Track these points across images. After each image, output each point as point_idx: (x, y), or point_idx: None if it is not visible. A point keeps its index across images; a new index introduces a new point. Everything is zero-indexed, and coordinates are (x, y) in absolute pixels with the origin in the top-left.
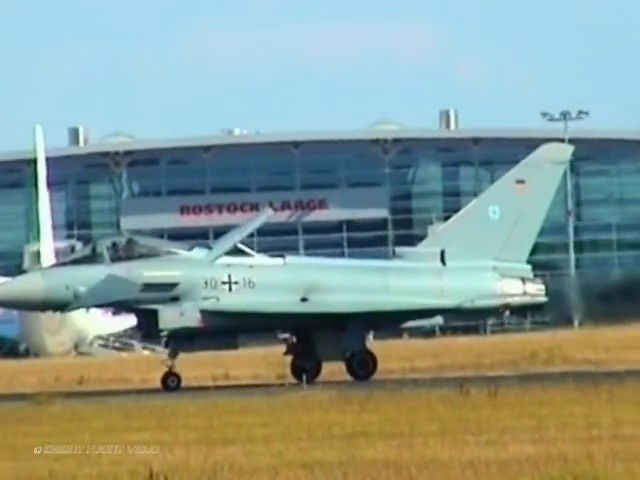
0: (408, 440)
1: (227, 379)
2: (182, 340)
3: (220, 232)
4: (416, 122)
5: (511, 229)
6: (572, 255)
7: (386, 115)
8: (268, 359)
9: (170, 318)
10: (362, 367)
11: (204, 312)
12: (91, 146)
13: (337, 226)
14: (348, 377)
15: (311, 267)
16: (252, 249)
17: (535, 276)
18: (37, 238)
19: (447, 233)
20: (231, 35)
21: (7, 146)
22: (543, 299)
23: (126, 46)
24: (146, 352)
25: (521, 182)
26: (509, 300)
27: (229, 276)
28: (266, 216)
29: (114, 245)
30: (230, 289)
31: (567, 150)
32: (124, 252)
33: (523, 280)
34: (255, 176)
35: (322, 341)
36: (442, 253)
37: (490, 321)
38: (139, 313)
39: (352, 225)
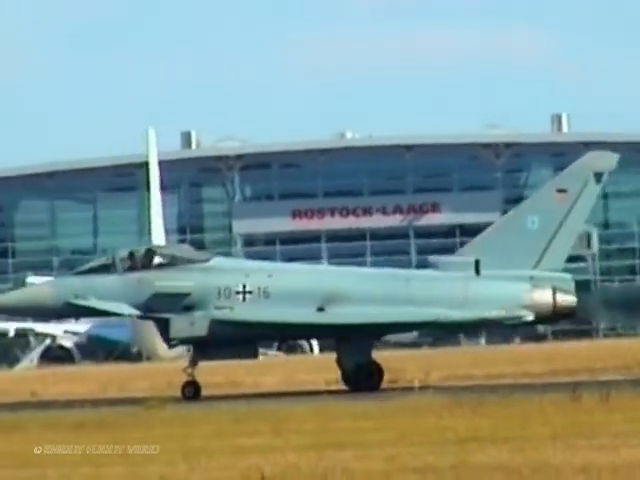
0: (520, 444)
1: (338, 384)
2: (202, 349)
3: (332, 236)
4: (528, 126)
5: (550, 239)
6: None
7: (497, 119)
8: None
9: (181, 327)
10: (368, 379)
11: (216, 322)
12: (203, 150)
13: (449, 230)
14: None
15: (329, 276)
16: (365, 253)
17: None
18: (150, 242)
19: (484, 242)
20: (342, 38)
21: (120, 150)
22: (571, 310)
23: (237, 50)
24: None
25: (562, 191)
26: (534, 311)
27: (243, 286)
28: None
29: (131, 255)
30: (244, 299)
31: (612, 158)
32: (140, 262)
33: (554, 290)
34: (367, 180)
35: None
36: (477, 262)
37: (602, 325)
38: (156, 321)
39: (465, 229)
